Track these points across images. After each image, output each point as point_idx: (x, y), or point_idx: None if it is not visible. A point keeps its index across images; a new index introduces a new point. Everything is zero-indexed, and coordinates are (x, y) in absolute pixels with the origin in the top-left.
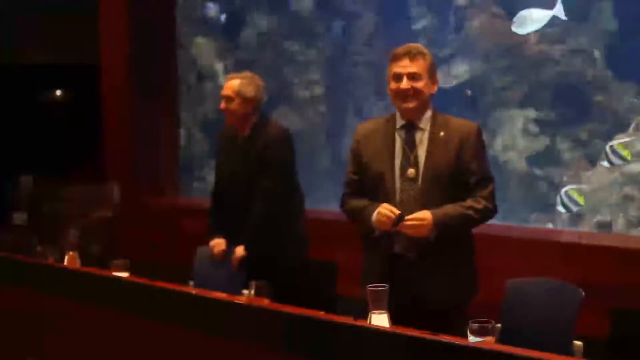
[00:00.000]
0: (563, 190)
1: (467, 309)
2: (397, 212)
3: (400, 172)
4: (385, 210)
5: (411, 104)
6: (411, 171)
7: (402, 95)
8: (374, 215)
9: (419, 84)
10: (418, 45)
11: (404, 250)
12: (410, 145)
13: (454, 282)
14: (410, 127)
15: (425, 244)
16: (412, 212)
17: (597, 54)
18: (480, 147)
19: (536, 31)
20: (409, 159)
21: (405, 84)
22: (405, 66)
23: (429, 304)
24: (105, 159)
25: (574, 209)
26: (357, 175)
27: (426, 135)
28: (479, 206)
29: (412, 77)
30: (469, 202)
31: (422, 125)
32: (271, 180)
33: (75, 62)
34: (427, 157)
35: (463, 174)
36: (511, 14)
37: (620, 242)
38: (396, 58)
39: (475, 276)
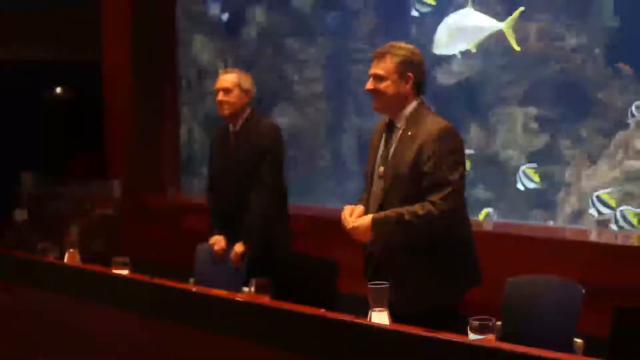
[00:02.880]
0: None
1: (452, 311)
2: (351, 218)
3: (377, 170)
4: (344, 213)
5: (374, 105)
6: (380, 169)
7: (371, 96)
8: None
9: (382, 85)
10: (392, 44)
11: (371, 250)
12: (387, 143)
13: (429, 282)
14: (391, 126)
15: (385, 244)
16: (375, 210)
17: (597, 51)
18: (440, 149)
19: (538, 28)
20: (383, 157)
21: (368, 84)
22: (372, 67)
23: (401, 305)
24: (106, 157)
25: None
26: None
27: (399, 133)
28: (421, 212)
29: (376, 78)
30: (415, 206)
31: (399, 124)
32: (270, 175)
33: (78, 59)
34: (391, 156)
35: (419, 175)
36: (511, 11)
37: (621, 240)
38: (372, 58)
39: (459, 278)
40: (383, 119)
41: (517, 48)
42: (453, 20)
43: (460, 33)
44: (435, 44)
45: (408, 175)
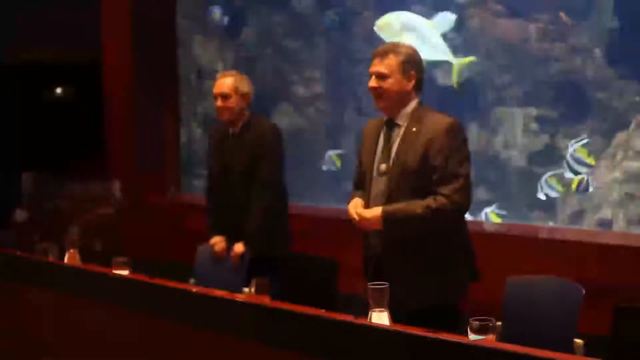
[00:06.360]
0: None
1: (453, 310)
2: (358, 209)
3: (377, 167)
4: (350, 207)
5: (379, 103)
6: (382, 166)
7: (372, 95)
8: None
9: (386, 83)
10: (394, 43)
11: (373, 243)
12: (387, 141)
13: (427, 282)
14: (391, 124)
15: (390, 241)
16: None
17: (597, 51)
18: (449, 143)
19: (538, 28)
20: (384, 154)
21: (371, 83)
22: (374, 65)
23: (402, 303)
24: (107, 156)
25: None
26: (358, 169)
27: (402, 131)
28: (434, 204)
29: (380, 76)
30: (427, 199)
31: (400, 121)
32: (268, 173)
33: (78, 59)
34: (396, 152)
35: (429, 169)
36: (512, 11)
37: (621, 240)
38: (372, 57)
39: (458, 278)
40: (375, 119)
41: (456, 85)
42: (419, 22)
43: (414, 37)
44: (382, 20)
45: (417, 170)
